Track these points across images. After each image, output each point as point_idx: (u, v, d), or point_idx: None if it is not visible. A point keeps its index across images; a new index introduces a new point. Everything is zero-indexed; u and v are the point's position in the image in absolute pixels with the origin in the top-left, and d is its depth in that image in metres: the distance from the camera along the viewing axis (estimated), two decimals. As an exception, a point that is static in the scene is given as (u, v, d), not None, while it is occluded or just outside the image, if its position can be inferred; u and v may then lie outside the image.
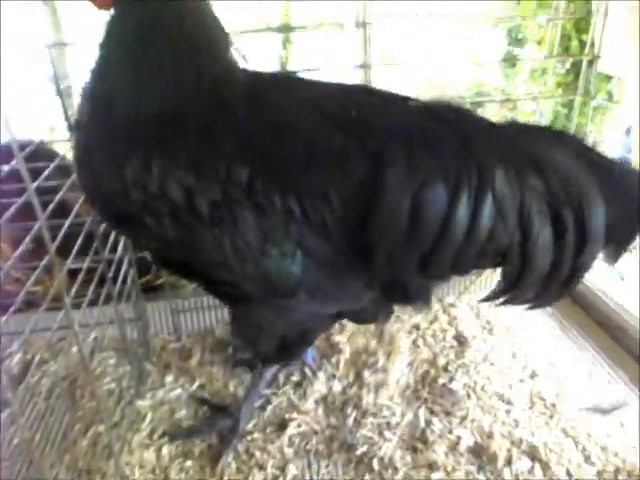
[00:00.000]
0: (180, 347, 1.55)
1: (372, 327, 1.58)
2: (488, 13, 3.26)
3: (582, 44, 3.24)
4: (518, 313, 1.64)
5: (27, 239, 0.85)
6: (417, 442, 1.23)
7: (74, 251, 1.06)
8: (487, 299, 1.01)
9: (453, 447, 1.21)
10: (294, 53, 3.89)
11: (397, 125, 0.94)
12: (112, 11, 0.93)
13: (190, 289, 1.64)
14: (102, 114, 0.93)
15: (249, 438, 1.26)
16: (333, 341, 1.53)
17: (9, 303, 0.83)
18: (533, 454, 1.18)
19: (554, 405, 1.30)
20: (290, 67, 3.62)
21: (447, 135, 0.91)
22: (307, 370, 1.44)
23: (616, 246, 0.94)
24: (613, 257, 0.95)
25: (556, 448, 1.19)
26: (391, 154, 0.89)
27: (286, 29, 3.53)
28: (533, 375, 1.40)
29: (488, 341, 1.53)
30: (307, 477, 1.18)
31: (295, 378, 1.43)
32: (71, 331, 0.97)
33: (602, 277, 1.64)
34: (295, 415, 1.31)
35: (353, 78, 1.47)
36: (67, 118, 1.19)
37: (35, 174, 0.95)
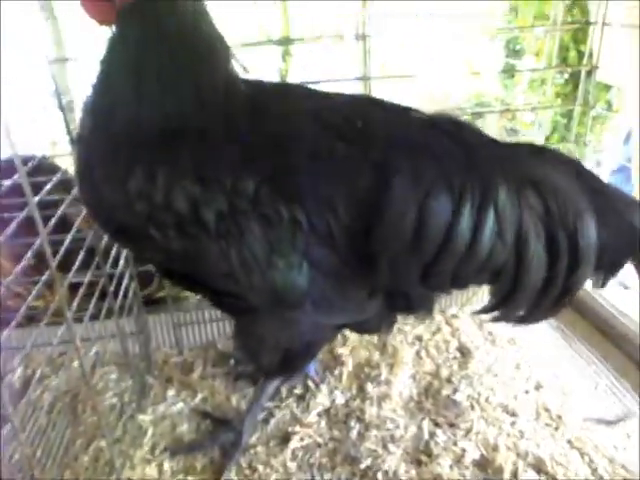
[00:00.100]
0: (182, 361, 1.55)
1: (375, 339, 1.57)
2: (486, 24, 3.29)
3: (580, 54, 3.27)
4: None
5: (29, 254, 0.84)
6: (421, 455, 1.22)
7: (75, 266, 1.05)
8: (479, 312, 1.02)
9: (458, 460, 1.20)
10: (294, 65, 3.92)
11: (401, 136, 0.94)
12: (113, 27, 0.94)
13: (192, 302, 1.63)
14: (104, 127, 0.93)
15: (252, 452, 1.25)
16: (336, 353, 1.52)
17: (10, 318, 0.83)
18: (539, 467, 1.17)
19: (560, 416, 1.29)
20: (290, 79, 3.64)
21: (450, 147, 0.92)
22: (310, 383, 1.43)
23: (606, 270, 0.95)
24: (602, 281, 0.96)
25: (562, 460, 1.18)
26: (396, 164, 0.90)
27: (286, 41, 3.56)
28: (538, 386, 1.39)
29: (491, 352, 1.53)
30: (311, 491, 1.17)
31: (298, 391, 1.42)
32: (72, 345, 0.97)
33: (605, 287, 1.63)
34: (298, 428, 1.29)
35: (353, 90, 1.48)
36: (69, 132, 1.19)
37: (37, 188, 0.95)
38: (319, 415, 1.34)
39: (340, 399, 1.38)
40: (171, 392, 1.43)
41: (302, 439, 1.27)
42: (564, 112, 2.97)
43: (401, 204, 0.88)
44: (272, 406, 1.37)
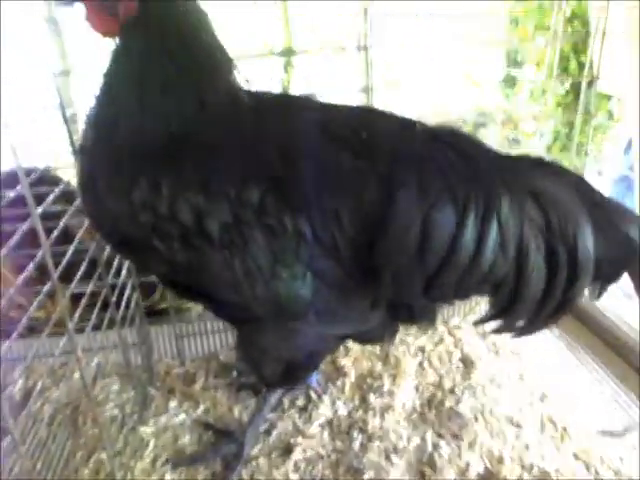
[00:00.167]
0: (184, 372, 1.54)
1: (377, 350, 1.56)
2: (486, 37, 3.31)
3: (580, 65, 3.28)
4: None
5: (31, 266, 0.84)
6: (425, 467, 1.21)
7: (77, 277, 1.06)
8: (479, 322, 1.03)
9: (462, 473, 1.19)
10: (296, 76, 3.94)
11: (405, 148, 0.94)
12: (117, 39, 0.95)
13: (194, 313, 1.63)
14: (107, 138, 0.94)
15: (254, 464, 1.24)
16: (338, 364, 1.52)
17: (11, 329, 0.83)
18: None
19: (565, 428, 1.28)
20: (292, 90, 3.66)
21: (453, 159, 0.92)
22: (312, 394, 1.42)
23: (603, 281, 0.95)
24: (598, 293, 0.97)
25: (568, 473, 1.16)
26: (401, 176, 0.90)
27: (287, 53, 3.59)
28: (542, 397, 1.38)
29: (494, 363, 1.52)
30: (313, 504, 1.16)
31: (300, 402, 1.41)
32: (74, 356, 0.96)
33: (608, 296, 1.62)
34: (300, 440, 1.29)
35: (355, 101, 1.48)
36: (72, 144, 1.20)
37: (39, 200, 0.95)
38: (321, 426, 1.34)
39: (342, 410, 1.38)
40: (173, 403, 1.42)
41: (304, 450, 1.26)
42: (565, 122, 2.98)
43: (406, 217, 0.88)
44: (274, 417, 1.36)
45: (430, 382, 1.45)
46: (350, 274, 0.94)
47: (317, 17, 3.43)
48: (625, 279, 0.96)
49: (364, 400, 1.40)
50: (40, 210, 0.88)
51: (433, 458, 1.22)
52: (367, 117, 1.04)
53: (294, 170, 0.91)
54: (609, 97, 2.86)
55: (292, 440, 1.29)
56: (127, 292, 1.34)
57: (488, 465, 1.20)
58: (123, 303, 1.31)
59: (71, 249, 1.03)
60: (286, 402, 1.40)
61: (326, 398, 1.41)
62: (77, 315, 1.02)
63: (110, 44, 0.96)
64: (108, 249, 1.24)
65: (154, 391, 1.46)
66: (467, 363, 1.52)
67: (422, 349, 1.58)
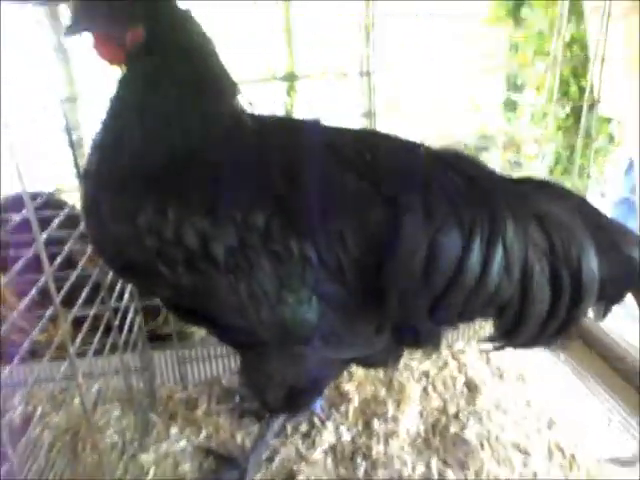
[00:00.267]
0: (186, 396, 1.52)
1: (381, 375, 1.55)
2: (488, 63, 3.36)
3: (581, 89, 3.32)
4: (529, 359, 1.61)
5: (33, 292, 0.84)
6: (431, 496, 1.18)
7: (80, 301, 1.05)
8: (483, 341, 1.04)
9: (469, 502, 1.16)
10: (299, 101, 3.99)
11: (410, 170, 0.95)
12: (124, 67, 0.96)
13: (197, 338, 1.62)
14: (112, 162, 0.95)
15: (256, 492, 1.22)
16: (342, 390, 1.50)
17: (12, 352, 0.82)
18: (553, 509, 1.13)
19: (573, 455, 1.25)
20: (295, 114, 3.70)
21: (458, 182, 0.92)
22: (315, 419, 1.40)
23: (606, 303, 0.96)
24: (602, 313, 0.98)
25: (577, 502, 1.14)
26: (407, 199, 0.90)
27: (290, 77, 3.64)
28: (550, 424, 1.36)
29: (499, 388, 1.50)
30: (317, 534, 1.13)
31: (303, 428, 1.39)
32: (74, 382, 0.95)
33: (615, 319, 1.61)
34: (303, 466, 1.26)
35: (358, 126, 1.49)
36: (77, 168, 1.21)
37: (44, 224, 0.96)
38: (325, 452, 1.31)
39: (346, 436, 1.35)
40: (174, 429, 1.40)
41: (307, 477, 1.24)
42: (566, 145, 3.00)
43: (412, 240, 0.88)
44: (277, 443, 1.34)
45: (434, 407, 1.43)
46: (356, 297, 0.94)
47: (320, 42, 3.48)
48: (629, 300, 0.97)
49: (368, 426, 1.38)
50: (44, 237, 0.88)
51: (439, 487, 1.20)
52: (371, 140, 1.05)
53: (299, 193, 0.92)
54: (609, 120, 2.88)
55: (295, 467, 1.26)
56: (130, 316, 1.34)
57: (495, 494, 1.17)
58: (126, 327, 1.30)
59: (74, 275, 1.03)
60: (289, 428, 1.38)
61: (329, 424, 1.39)
62: (79, 340, 1.01)
63: (117, 71, 0.97)
64: (111, 273, 1.23)
65: (155, 417, 1.44)
66: (472, 388, 1.50)
67: (426, 374, 1.56)
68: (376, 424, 1.37)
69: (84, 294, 1.09)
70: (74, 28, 0.92)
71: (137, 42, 0.92)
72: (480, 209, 0.89)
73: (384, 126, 1.46)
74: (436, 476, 1.23)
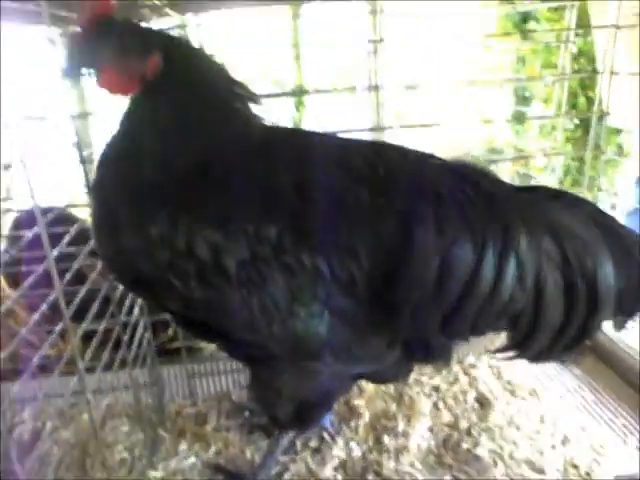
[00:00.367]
0: (196, 412, 1.51)
1: (391, 390, 1.53)
2: (494, 74, 3.36)
3: (589, 100, 3.31)
4: (541, 374, 1.59)
5: (43, 307, 0.85)
6: (444, 515, 1.16)
7: (90, 316, 1.06)
8: (495, 352, 1.02)
9: (483, 521, 1.14)
10: (307, 115, 4.02)
11: (422, 182, 0.95)
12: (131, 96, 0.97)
13: (206, 353, 1.62)
14: (123, 176, 0.95)
15: (266, 509, 1.21)
16: (352, 405, 1.48)
17: (22, 367, 0.83)
18: (568, 528, 1.11)
19: (589, 474, 1.22)
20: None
21: (470, 193, 0.92)
22: (325, 435, 1.39)
23: (623, 313, 0.95)
24: (621, 324, 0.97)
25: (593, 521, 1.11)
26: (419, 212, 0.90)
27: (299, 93, 3.67)
28: (564, 441, 1.33)
29: (512, 403, 1.47)
30: None
31: (313, 444, 1.37)
32: (83, 397, 0.95)
33: (629, 333, 1.58)
34: (313, 483, 1.25)
35: (367, 138, 1.50)
36: (88, 184, 1.22)
37: (55, 239, 0.96)
38: (335, 469, 1.29)
39: (357, 451, 1.34)
40: (183, 445, 1.39)
41: (318, 495, 1.22)
42: (575, 156, 2.98)
43: (425, 254, 0.88)
44: (287, 459, 1.32)
45: (445, 422, 1.41)
46: (367, 310, 0.93)
47: (328, 57, 3.51)
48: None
49: (378, 441, 1.36)
50: (56, 253, 0.89)
51: (452, 505, 1.18)
52: (383, 152, 1.05)
53: (311, 206, 0.92)
54: (619, 131, 2.86)
55: (305, 484, 1.25)
56: (139, 331, 1.33)
57: (509, 513, 1.15)
58: (135, 342, 1.30)
59: (83, 290, 1.04)
60: (299, 444, 1.37)
61: (339, 439, 1.37)
62: (88, 355, 1.01)
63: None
64: (120, 288, 1.24)
65: (164, 433, 1.43)
66: (483, 403, 1.47)
67: (437, 389, 1.54)
68: (387, 439, 1.35)
69: (94, 309, 1.09)
70: (79, 67, 0.93)
71: (157, 69, 0.93)
72: (493, 221, 0.89)
73: (393, 139, 1.46)
74: (449, 494, 1.21)
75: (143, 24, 0.99)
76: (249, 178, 0.94)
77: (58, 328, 0.92)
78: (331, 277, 0.90)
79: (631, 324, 0.98)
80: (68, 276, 0.96)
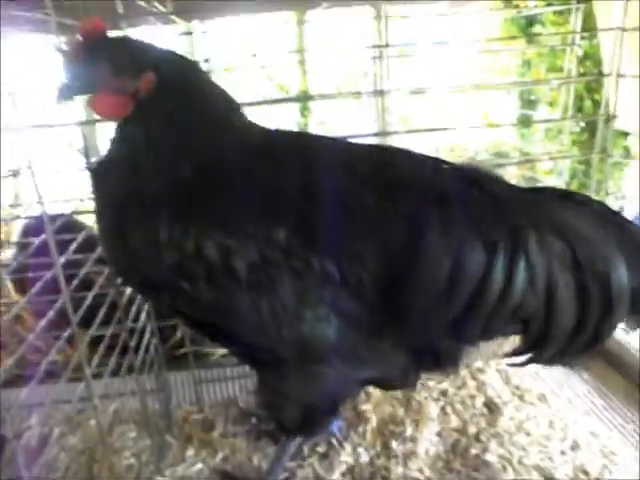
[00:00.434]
0: (202, 418, 1.51)
1: (399, 395, 1.52)
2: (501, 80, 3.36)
3: (595, 103, 3.30)
4: (549, 378, 1.57)
5: (51, 313, 0.85)
6: (453, 521, 1.15)
7: (97, 322, 1.06)
8: (508, 355, 1.01)
9: (493, 528, 1.13)
10: (312, 120, 4.03)
11: (430, 186, 0.95)
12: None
13: (213, 359, 1.62)
14: (131, 180, 0.95)
15: (273, 516, 1.20)
16: (359, 410, 1.47)
17: (30, 372, 0.83)
18: (579, 535, 1.09)
19: (598, 479, 1.21)
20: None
21: (478, 197, 0.92)
22: (333, 441, 1.38)
23: (639, 314, 0.94)
24: (634, 325, 0.96)
25: (604, 528, 1.10)
26: (428, 215, 0.90)
27: (304, 98, 3.68)
28: (574, 446, 1.32)
29: (521, 408, 1.46)
30: None
31: (321, 449, 1.37)
32: (90, 403, 0.95)
33: (639, 338, 1.57)
34: (321, 490, 1.24)
35: (372, 143, 1.50)
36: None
37: (63, 245, 0.97)
38: (343, 474, 1.29)
39: (364, 457, 1.33)
40: (190, 452, 1.38)
41: (326, 502, 1.22)
42: (582, 159, 2.97)
43: (432, 256, 0.88)
44: (294, 465, 1.32)
45: (454, 427, 1.40)
46: (373, 313, 0.93)
47: (333, 62, 3.51)
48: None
49: (386, 446, 1.35)
50: (63, 260, 0.89)
51: (461, 512, 1.17)
52: (390, 156, 1.05)
53: (319, 210, 0.92)
54: (626, 134, 2.85)
55: (313, 490, 1.24)
56: (146, 337, 1.34)
57: (519, 519, 1.14)
58: (142, 348, 1.30)
59: (90, 297, 1.04)
60: (306, 449, 1.36)
61: (347, 445, 1.36)
62: (95, 361, 1.01)
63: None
64: (127, 293, 1.24)
65: (171, 439, 1.43)
66: (492, 408, 1.46)
67: (444, 393, 1.53)
68: (394, 444, 1.35)
69: (101, 315, 1.09)
70: (72, 90, 0.93)
71: (150, 86, 0.93)
72: (502, 222, 0.89)
73: (398, 143, 1.46)
74: (458, 500, 1.20)
75: (143, 32, 1.00)
76: (257, 181, 0.94)
77: (65, 334, 0.92)
78: (339, 280, 0.90)
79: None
80: (75, 282, 0.96)
